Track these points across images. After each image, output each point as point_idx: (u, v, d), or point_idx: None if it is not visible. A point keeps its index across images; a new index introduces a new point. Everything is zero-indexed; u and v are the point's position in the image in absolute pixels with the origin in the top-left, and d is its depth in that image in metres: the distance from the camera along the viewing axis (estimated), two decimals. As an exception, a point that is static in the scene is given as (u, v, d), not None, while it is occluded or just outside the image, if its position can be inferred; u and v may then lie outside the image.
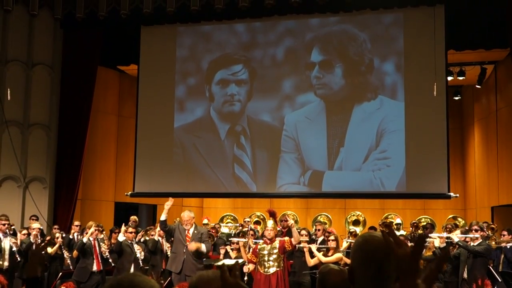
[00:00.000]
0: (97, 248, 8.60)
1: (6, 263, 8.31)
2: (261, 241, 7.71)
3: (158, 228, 9.35)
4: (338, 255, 8.14)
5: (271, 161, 11.03)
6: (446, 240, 8.34)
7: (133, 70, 12.56)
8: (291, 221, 7.89)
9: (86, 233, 8.72)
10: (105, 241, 9.18)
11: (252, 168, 11.12)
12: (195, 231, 8.00)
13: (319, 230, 9.63)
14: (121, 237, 8.62)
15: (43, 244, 3.19)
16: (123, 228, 8.79)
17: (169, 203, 7.95)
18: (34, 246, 8.48)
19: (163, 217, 7.93)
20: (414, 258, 1.59)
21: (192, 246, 7.68)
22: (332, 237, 8.41)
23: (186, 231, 7.94)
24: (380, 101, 10.62)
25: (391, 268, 1.85)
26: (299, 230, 9.15)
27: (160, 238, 9.31)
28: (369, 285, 1.88)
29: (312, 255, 8.22)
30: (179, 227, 8.00)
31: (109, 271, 8.80)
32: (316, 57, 10.97)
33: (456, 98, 13.50)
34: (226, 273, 1.64)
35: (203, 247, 7.76)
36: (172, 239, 9.38)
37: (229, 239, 10.27)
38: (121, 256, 8.56)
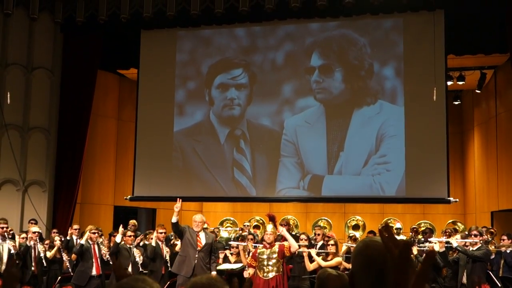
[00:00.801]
0: (97, 251, 8.57)
1: (4, 267, 8.29)
2: (260, 245, 7.69)
3: (155, 234, 9.33)
4: (337, 259, 8.12)
5: (271, 166, 11.02)
6: (446, 245, 8.33)
7: (133, 74, 12.56)
8: (281, 229, 7.75)
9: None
10: (105, 244, 9.15)
11: (252, 172, 11.11)
12: (206, 236, 8.05)
13: (318, 234, 9.61)
14: (118, 238, 8.60)
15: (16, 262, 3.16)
16: (120, 229, 8.77)
17: (178, 205, 7.94)
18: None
19: (174, 219, 7.91)
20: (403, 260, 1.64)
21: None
22: (331, 242, 8.39)
23: (197, 235, 7.95)
24: (379, 105, 10.62)
25: (391, 273, 1.85)
26: (298, 235, 9.13)
27: (160, 243, 9.27)
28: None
29: (311, 260, 8.21)
30: (189, 230, 8.00)
31: (108, 275, 8.77)
32: (316, 61, 10.97)
33: (456, 102, 13.51)
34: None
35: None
36: (175, 241, 9.37)
37: (229, 243, 10.25)
38: (117, 259, 8.54)
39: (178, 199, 8.05)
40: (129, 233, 8.82)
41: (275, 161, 11.00)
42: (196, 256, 7.83)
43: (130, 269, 8.55)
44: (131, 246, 8.69)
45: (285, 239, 8.16)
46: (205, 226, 12.09)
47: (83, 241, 8.49)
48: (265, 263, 7.33)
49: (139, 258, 8.68)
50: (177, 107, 11.66)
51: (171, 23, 11.37)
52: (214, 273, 7.86)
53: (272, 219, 7.66)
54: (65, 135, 11.81)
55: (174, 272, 8.15)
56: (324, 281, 2.65)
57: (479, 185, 13.21)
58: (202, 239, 7.98)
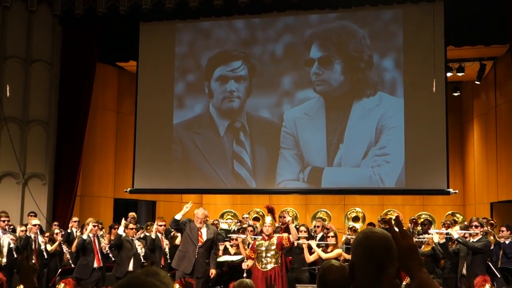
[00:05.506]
0: (97, 244, 8.59)
1: (4, 260, 8.32)
2: (259, 237, 7.71)
3: (155, 226, 9.33)
4: (337, 251, 8.15)
5: (271, 158, 11.03)
6: (446, 236, 8.35)
7: (132, 67, 12.54)
8: (288, 218, 7.90)
9: (86, 230, 8.70)
10: (105, 237, 9.17)
11: (252, 164, 11.12)
12: (208, 230, 7.97)
13: (318, 226, 9.63)
14: (121, 231, 8.61)
15: (28, 256, 3.18)
16: (123, 222, 8.77)
17: (189, 206, 7.91)
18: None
19: (178, 216, 7.88)
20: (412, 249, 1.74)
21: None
22: (331, 233, 8.42)
23: (198, 231, 7.87)
24: (379, 97, 10.62)
25: (392, 263, 1.86)
26: (298, 227, 9.15)
27: (159, 235, 9.29)
28: (369, 281, 1.88)
29: (311, 252, 8.23)
30: (190, 225, 7.89)
31: (109, 267, 8.79)
32: (315, 53, 10.95)
33: (456, 94, 13.49)
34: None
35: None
36: (175, 234, 9.36)
37: (228, 235, 10.26)
38: (120, 251, 8.56)
39: (190, 202, 8.02)
40: (131, 225, 8.83)
41: (275, 153, 11.00)
42: (196, 252, 7.76)
43: (132, 260, 8.56)
44: (133, 238, 8.70)
45: (284, 231, 8.19)
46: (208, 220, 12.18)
47: (85, 236, 8.48)
48: (264, 254, 7.35)
49: (141, 250, 8.70)
50: (177, 99, 11.65)
51: (170, 15, 11.34)
52: (213, 271, 7.85)
53: (271, 211, 7.68)
54: (64, 128, 11.81)
55: (173, 267, 8.13)
56: (325, 271, 2.67)
57: (478, 176, 13.22)
58: (204, 234, 7.88)
